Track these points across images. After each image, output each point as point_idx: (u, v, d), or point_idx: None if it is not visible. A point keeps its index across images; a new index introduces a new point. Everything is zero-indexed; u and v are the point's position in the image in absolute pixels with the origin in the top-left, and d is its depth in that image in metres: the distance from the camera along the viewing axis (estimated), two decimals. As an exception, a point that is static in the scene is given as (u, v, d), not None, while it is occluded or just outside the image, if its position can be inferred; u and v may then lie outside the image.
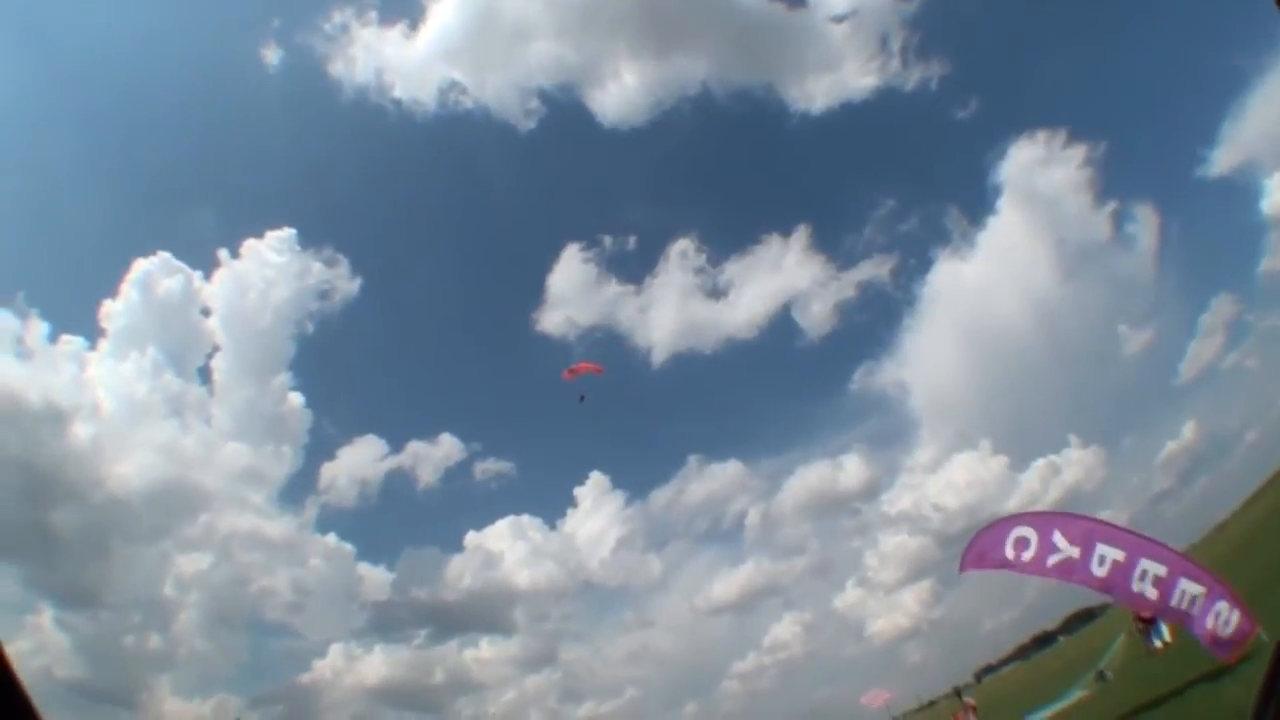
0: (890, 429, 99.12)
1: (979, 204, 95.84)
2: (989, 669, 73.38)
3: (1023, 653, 72.16)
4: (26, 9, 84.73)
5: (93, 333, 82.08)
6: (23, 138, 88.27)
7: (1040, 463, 76.68)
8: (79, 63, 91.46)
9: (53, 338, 76.66)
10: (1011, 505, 71.30)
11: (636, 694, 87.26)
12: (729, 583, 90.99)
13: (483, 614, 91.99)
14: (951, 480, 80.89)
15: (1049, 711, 23.26)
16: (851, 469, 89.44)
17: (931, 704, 69.49)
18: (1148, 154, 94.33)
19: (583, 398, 39.39)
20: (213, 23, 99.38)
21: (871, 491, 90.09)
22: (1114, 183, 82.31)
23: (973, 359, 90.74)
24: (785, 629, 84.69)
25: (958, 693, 42.33)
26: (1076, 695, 23.97)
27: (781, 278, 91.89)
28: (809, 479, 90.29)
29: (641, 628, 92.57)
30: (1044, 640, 70.80)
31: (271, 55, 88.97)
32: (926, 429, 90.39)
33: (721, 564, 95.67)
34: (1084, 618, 60.26)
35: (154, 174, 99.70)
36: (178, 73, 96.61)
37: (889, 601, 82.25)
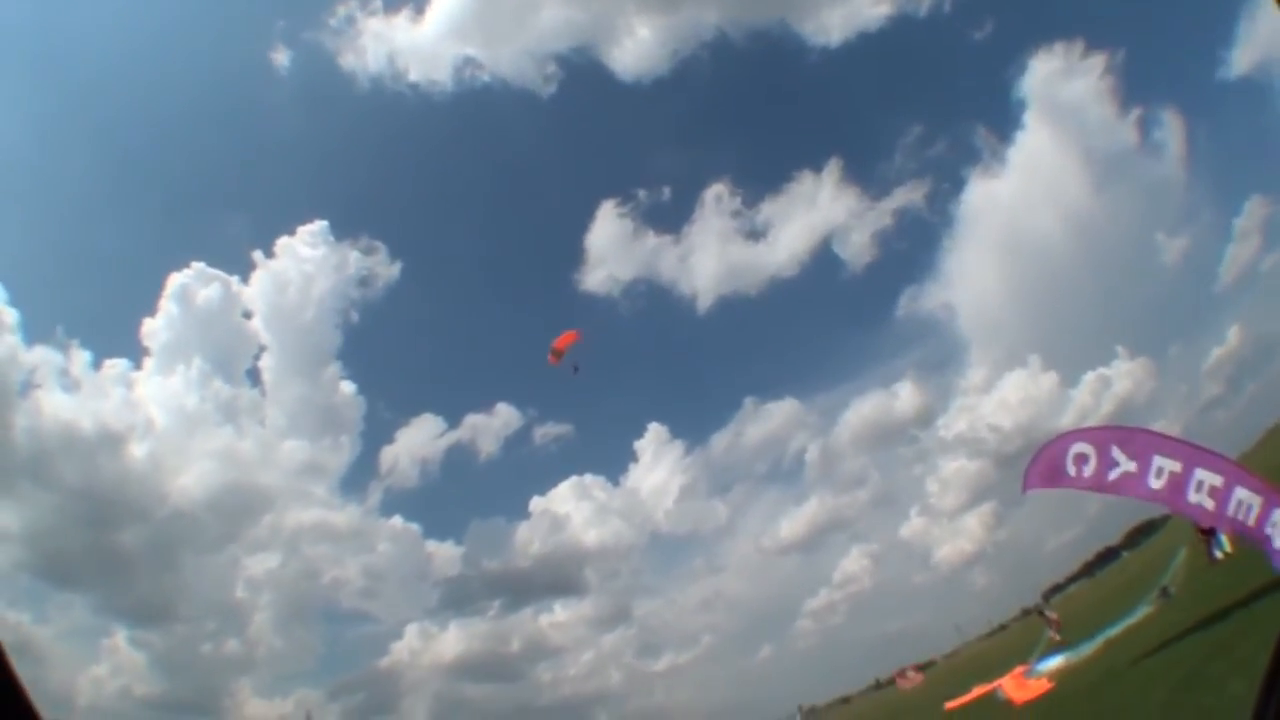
0: (940, 353, 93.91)
1: (1005, 121, 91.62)
2: (1056, 588, 73.24)
3: (1088, 570, 71.78)
4: (28, 36, 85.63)
5: (136, 353, 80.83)
6: (34, 171, 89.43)
7: (1090, 376, 75.01)
8: (84, 88, 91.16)
9: (96, 364, 76.35)
10: (1065, 421, 70.35)
11: (713, 641, 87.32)
12: (795, 521, 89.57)
13: (554, 578, 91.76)
14: (1005, 400, 79.78)
15: (1115, 630, 23.44)
16: (905, 396, 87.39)
17: (1002, 627, 70.05)
18: (1166, 59, 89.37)
19: (576, 368, 39.91)
20: (215, 34, 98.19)
21: (927, 417, 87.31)
22: (1135, 90, 78.19)
23: (1015, 276, 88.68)
24: (853, 562, 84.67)
25: (1040, 611, 42.46)
26: (1142, 612, 24.14)
27: (818, 213, 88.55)
28: (864, 410, 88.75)
29: (712, 574, 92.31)
30: (1108, 556, 70.02)
31: (281, 57, 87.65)
32: (976, 350, 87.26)
33: (786, 503, 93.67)
34: (1146, 531, 59.60)
35: (176, 189, 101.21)
36: (187, 87, 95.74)
37: (952, 527, 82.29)
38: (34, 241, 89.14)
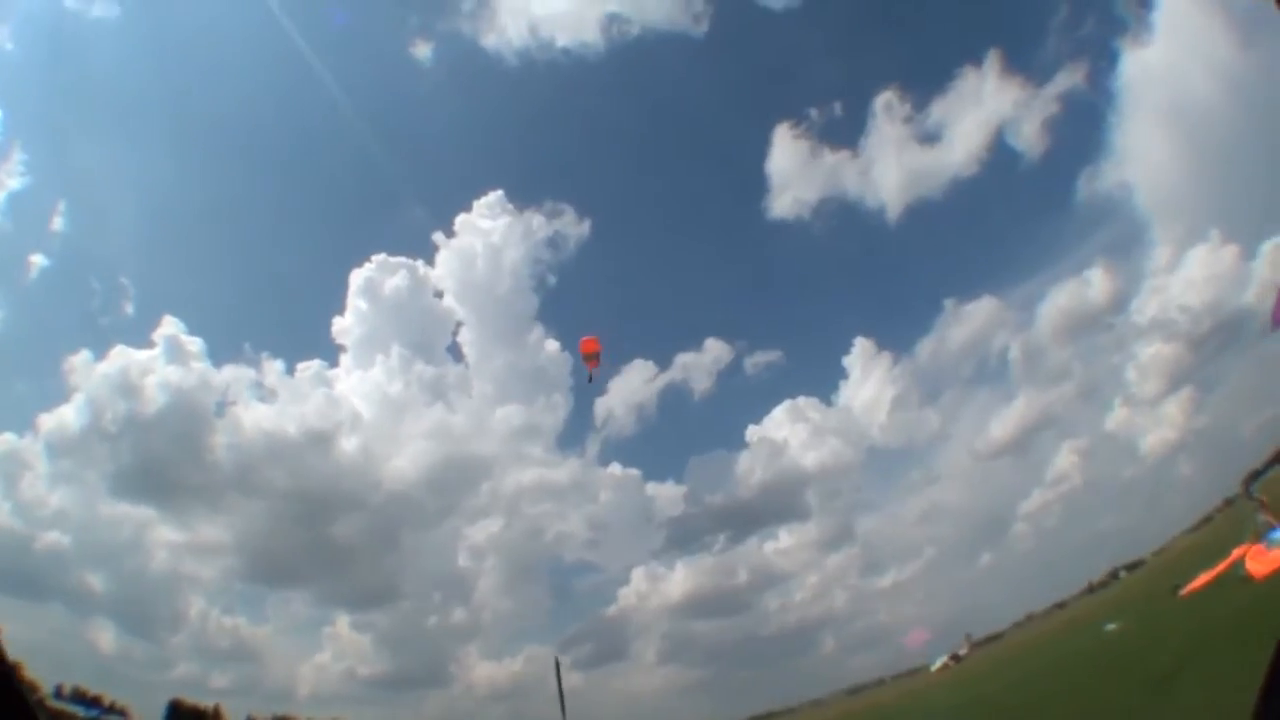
0: (1124, 233, 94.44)
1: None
2: (1255, 475, 72.31)
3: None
4: (181, 81, 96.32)
5: (330, 352, 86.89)
6: (198, 204, 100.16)
7: (1268, 246, 74.82)
8: (236, 121, 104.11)
9: (289, 370, 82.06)
10: (1249, 297, 72.94)
11: (933, 554, 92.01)
12: (1004, 422, 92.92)
13: (777, 504, 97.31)
14: (1191, 278, 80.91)
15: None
16: (1097, 282, 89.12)
17: (1208, 520, 70.58)
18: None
19: (591, 378, 44.81)
20: (351, 43, 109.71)
21: (1120, 301, 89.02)
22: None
23: (1182, 144, 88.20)
24: (1064, 460, 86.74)
25: (1249, 493, 44.75)
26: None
27: (986, 107, 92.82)
28: (1060, 300, 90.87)
29: (929, 485, 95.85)
30: (1301, 440, 68.95)
31: (422, 50, 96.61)
32: (1158, 227, 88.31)
33: (994, 404, 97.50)
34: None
35: (342, 193, 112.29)
36: (333, 97, 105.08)
37: (1154, 415, 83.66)
38: (209, 270, 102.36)
